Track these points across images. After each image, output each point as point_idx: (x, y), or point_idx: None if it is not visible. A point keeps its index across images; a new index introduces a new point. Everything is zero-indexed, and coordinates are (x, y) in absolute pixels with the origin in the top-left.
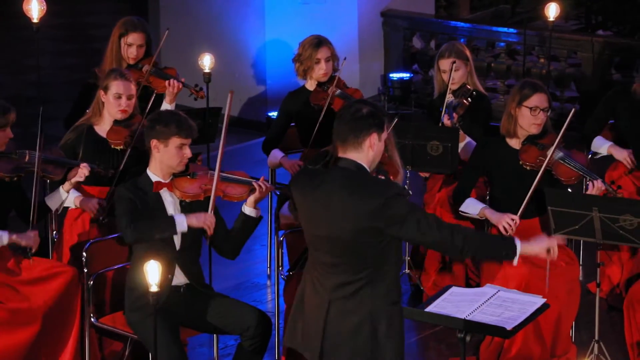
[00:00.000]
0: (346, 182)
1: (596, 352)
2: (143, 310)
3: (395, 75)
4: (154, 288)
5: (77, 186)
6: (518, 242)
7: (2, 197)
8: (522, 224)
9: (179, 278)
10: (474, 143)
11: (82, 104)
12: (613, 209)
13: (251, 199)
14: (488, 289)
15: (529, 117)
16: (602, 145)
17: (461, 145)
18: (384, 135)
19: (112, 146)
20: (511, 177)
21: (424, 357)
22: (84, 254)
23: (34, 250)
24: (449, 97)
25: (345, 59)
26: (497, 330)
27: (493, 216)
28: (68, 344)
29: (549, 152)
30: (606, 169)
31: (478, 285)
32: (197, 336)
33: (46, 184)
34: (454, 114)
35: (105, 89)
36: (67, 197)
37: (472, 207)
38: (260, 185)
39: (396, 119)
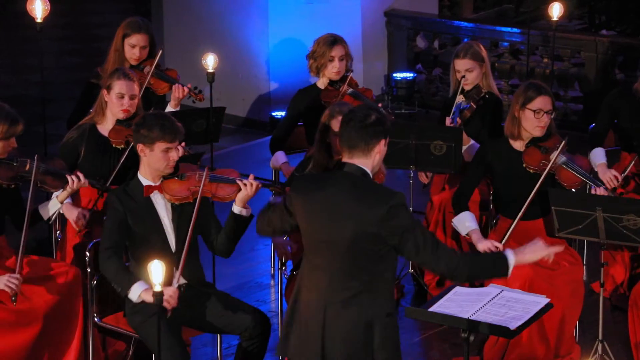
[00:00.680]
0: (351, 188)
1: (600, 352)
2: (143, 312)
3: (398, 75)
4: (157, 288)
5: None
6: (511, 258)
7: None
8: (526, 225)
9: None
10: (477, 145)
11: (84, 104)
12: (617, 208)
13: (239, 197)
14: (492, 289)
15: (532, 119)
16: (594, 161)
17: (464, 147)
18: (387, 140)
19: (114, 145)
20: (514, 179)
21: (428, 356)
22: (87, 253)
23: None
24: (460, 99)
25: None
26: (500, 330)
27: (478, 243)
28: (71, 344)
29: (552, 157)
30: (610, 167)
31: (482, 285)
32: (201, 336)
33: (45, 194)
34: (458, 119)
35: (108, 89)
36: (60, 207)
37: (461, 225)
38: (245, 184)
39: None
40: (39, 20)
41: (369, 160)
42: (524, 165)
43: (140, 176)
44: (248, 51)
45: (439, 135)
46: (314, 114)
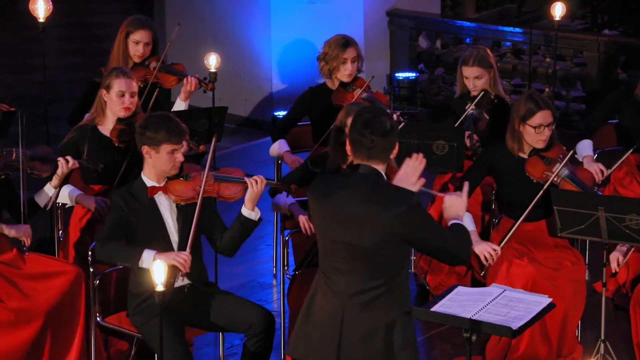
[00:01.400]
0: (367, 189)
1: (602, 352)
2: (146, 312)
3: (401, 75)
4: (159, 288)
5: (82, 184)
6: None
7: None
8: (529, 227)
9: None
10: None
11: (87, 103)
12: (619, 208)
13: (247, 197)
14: (494, 289)
15: (533, 134)
16: (580, 152)
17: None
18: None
19: (117, 144)
20: (517, 182)
21: (430, 356)
22: (90, 253)
23: (27, 245)
24: (470, 108)
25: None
26: (503, 330)
27: (476, 245)
28: (73, 344)
29: (555, 170)
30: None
31: (484, 285)
32: (203, 335)
33: (36, 182)
34: (475, 135)
35: (108, 88)
36: (55, 192)
37: None
38: (252, 182)
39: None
40: (41, 20)
41: (384, 164)
42: (526, 174)
43: (144, 177)
44: (250, 51)
45: (441, 135)
46: (323, 115)
